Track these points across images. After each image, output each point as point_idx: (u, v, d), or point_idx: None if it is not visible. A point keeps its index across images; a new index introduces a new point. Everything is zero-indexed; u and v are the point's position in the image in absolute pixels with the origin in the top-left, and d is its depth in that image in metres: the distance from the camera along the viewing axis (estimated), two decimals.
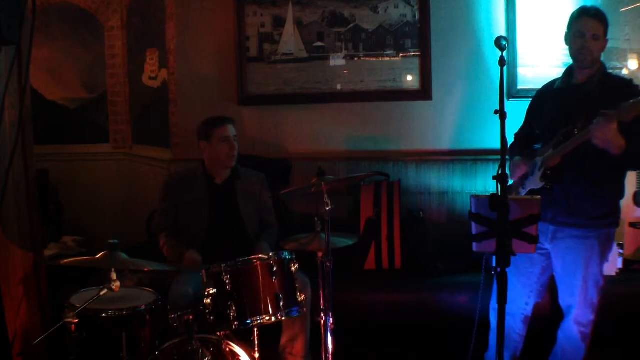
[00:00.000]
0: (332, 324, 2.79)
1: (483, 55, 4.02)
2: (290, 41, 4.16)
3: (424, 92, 4.09)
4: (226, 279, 2.59)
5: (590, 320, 2.82)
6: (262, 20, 4.17)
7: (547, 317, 3.14)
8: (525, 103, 3.16)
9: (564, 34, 2.86)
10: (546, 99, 2.99)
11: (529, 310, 2.98)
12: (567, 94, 2.85)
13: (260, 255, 2.72)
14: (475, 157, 4.02)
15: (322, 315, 2.79)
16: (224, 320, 2.56)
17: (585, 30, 2.74)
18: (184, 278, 3.07)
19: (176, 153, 4.30)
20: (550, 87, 3.00)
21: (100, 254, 2.42)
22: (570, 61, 2.88)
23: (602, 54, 2.82)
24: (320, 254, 2.79)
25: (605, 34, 2.76)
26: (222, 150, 3.30)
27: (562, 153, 2.71)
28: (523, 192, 2.89)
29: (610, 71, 2.99)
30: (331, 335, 2.80)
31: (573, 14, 2.83)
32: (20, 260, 2.73)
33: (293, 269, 2.74)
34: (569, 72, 2.89)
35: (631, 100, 2.44)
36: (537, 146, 2.91)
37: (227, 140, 3.29)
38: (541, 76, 3.77)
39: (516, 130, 3.13)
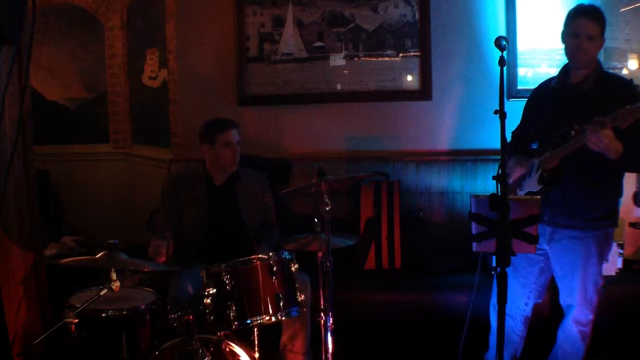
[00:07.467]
0: (332, 323, 2.80)
1: (483, 55, 4.02)
2: (290, 41, 4.16)
3: (423, 92, 4.09)
4: (226, 279, 2.59)
5: (590, 320, 2.82)
6: (262, 20, 4.16)
7: (547, 316, 3.15)
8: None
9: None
10: (542, 98, 2.97)
11: (528, 310, 2.98)
12: (563, 93, 2.83)
13: (260, 255, 2.71)
14: (475, 157, 4.02)
15: (322, 315, 2.80)
16: (224, 320, 2.56)
17: (581, 31, 2.71)
18: (184, 278, 3.07)
19: (176, 153, 4.30)
20: (546, 85, 2.98)
21: (100, 254, 2.42)
22: None
23: (602, 54, 2.80)
24: (320, 254, 2.79)
25: (602, 33, 2.72)
26: (225, 155, 3.29)
27: (559, 156, 2.69)
28: (521, 194, 2.88)
29: (608, 70, 2.96)
30: (331, 335, 2.80)
31: (569, 12, 2.78)
32: (20, 260, 2.72)
33: (293, 269, 2.74)
34: (565, 71, 2.86)
35: (627, 106, 2.41)
36: (534, 145, 2.90)
37: (230, 146, 3.28)
38: (541, 76, 3.76)
39: (513, 129, 3.12)
